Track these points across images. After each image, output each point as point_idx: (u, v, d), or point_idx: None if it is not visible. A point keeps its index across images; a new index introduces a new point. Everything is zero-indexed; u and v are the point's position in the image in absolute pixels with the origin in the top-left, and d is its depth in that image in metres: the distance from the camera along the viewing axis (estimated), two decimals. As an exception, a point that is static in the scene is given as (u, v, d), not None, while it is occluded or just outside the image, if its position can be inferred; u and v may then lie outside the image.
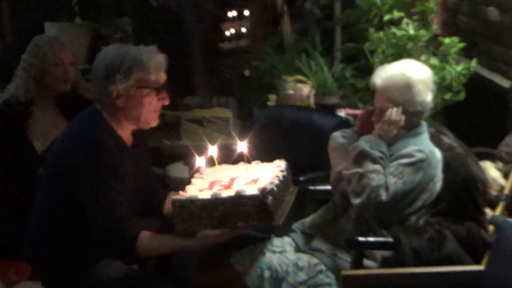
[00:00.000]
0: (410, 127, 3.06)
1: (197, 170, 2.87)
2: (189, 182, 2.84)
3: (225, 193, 2.59)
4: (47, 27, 4.85)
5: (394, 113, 2.99)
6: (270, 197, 2.55)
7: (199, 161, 2.81)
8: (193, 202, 2.58)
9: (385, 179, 2.91)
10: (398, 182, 2.92)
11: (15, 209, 3.40)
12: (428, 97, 3.03)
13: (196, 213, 2.58)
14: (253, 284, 3.01)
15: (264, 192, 2.53)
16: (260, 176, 2.80)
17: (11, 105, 3.50)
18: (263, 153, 3.90)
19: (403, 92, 3.00)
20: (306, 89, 4.99)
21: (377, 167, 2.93)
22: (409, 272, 2.61)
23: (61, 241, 2.74)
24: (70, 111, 2.82)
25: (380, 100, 3.07)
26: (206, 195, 2.61)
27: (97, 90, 2.76)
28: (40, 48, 3.52)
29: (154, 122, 2.82)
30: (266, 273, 3.02)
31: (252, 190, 2.57)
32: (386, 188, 2.91)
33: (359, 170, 2.93)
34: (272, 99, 5.14)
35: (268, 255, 3.10)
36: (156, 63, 2.72)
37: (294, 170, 3.66)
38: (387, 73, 3.06)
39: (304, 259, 3.07)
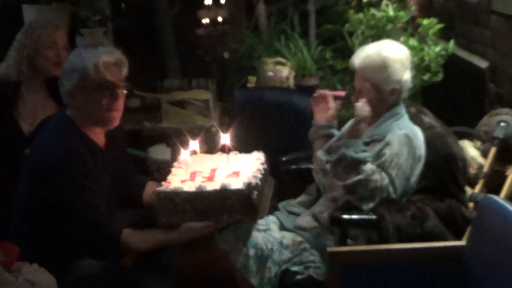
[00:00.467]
0: (388, 107, 3.12)
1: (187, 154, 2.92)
2: (170, 165, 2.89)
3: (210, 186, 2.63)
4: (25, 9, 4.81)
5: (360, 109, 3.05)
6: (255, 192, 2.61)
7: (184, 154, 2.86)
8: (178, 194, 2.62)
9: (385, 176, 2.97)
10: (399, 173, 2.98)
11: (0, 189, 3.41)
12: (405, 75, 3.09)
13: (180, 205, 2.63)
14: (238, 262, 3.06)
15: (249, 186, 2.59)
16: (240, 168, 2.85)
17: (0, 85, 3.50)
18: (244, 135, 3.97)
19: (379, 71, 3.06)
20: (285, 71, 5.02)
21: (373, 167, 2.98)
22: (393, 248, 2.67)
23: (41, 242, 2.76)
24: (60, 95, 2.85)
25: (358, 80, 3.14)
26: (190, 187, 2.65)
27: (61, 95, 2.83)
28: (34, 29, 3.52)
29: (114, 121, 2.85)
30: (251, 251, 3.08)
31: (236, 184, 2.63)
32: (392, 183, 2.97)
33: (360, 177, 2.95)
34: (251, 81, 5.17)
35: (253, 233, 3.15)
36: (96, 63, 2.75)
37: (275, 150, 3.74)
38: (364, 53, 3.13)
39: (289, 237, 3.13)
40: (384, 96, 3.09)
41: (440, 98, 4.42)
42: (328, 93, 3.45)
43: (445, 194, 3.08)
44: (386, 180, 2.95)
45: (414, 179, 3.03)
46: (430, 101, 4.39)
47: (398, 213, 2.95)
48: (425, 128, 3.16)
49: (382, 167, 2.97)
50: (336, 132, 3.42)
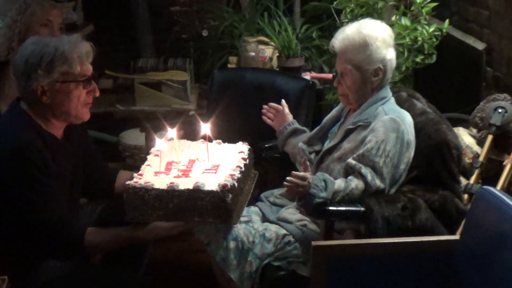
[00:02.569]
0: (373, 89, 3.12)
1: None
2: (143, 151, 2.87)
3: (183, 184, 2.63)
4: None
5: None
6: (230, 196, 2.60)
7: (160, 144, 2.86)
8: (147, 191, 2.61)
9: (367, 172, 2.95)
10: (386, 161, 2.97)
11: None
12: (388, 54, 3.09)
13: (149, 202, 2.62)
14: (217, 256, 3.05)
15: (224, 189, 2.58)
16: (221, 162, 2.84)
17: None
18: (223, 120, 3.95)
19: (360, 51, 3.07)
20: (268, 51, 5.01)
21: (340, 182, 2.96)
22: (382, 242, 2.67)
23: (3, 245, 2.71)
24: None
25: (340, 63, 3.14)
26: (162, 183, 2.64)
27: (20, 88, 2.72)
28: (28, 6, 3.50)
29: (85, 116, 2.80)
30: (232, 244, 3.06)
31: (211, 183, 2.62)
32: (378, 174, 2.96)
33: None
34: (232, 61, 5.15)
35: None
36: (80, 53, 2.69)
37: (257, 136, 3.73)
38: (343, 34, 3.13)
39: (272, 229, 3.12)
40: (367, 77, 3.09)
41: (433, 82, 4.43)
42: (282, 105, 3.56)
43: (438, 184, 3.08)
44: (364, 181, 2.95)
45: (403, 166, 3.02)
46: (423, 85, 4.40)
47: (388, 204, 2.94)
48: (417, 114, 3.16)
49: (367, 156, 2.96)
50: (298, 125, 3.50)
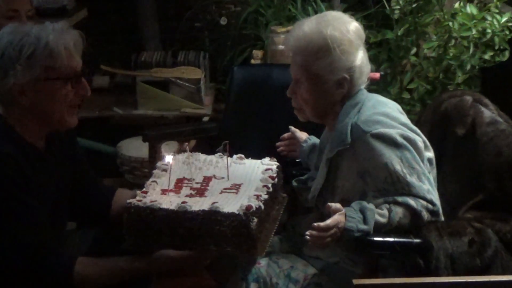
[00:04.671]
0: (336, 101, 3.02)
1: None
2: (146, 165, 2.87)
3: (197, 205, 2.62)
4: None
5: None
6: (255, 220, 2.58)
7: (168, 158, 2.87)
8: (153, 211, 2.60)
9: (404, 198, 2.87)
10: (408, 179, 2.87)
11: None
12: (357, 59, 3.00)
13: (155, 226, 2.61)
14: (234, 298, 3.05)
15: (248, 211, 2.56)
16: (243, 181, 2.84)
17: None
18: (243, 128, 3.95)
19: (320, 57, 2.95)
20: (301, 44, 5.01)
21: (385, 214, 2.87)
22: (443, 282, 2.63)
23: None
24: None
25: (294, 68, 3.06)
26: (171, 203, 2.64)
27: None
28: None
29: (72, 122, 2.80)
30: (253, 286, 3.05)
31: (232, 204, 2.61)
32: (416, 197, 2.90)
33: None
34: (256, 55, 5.15)
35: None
36: (67, 44, 2.69)
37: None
38: (300, 31, 3.02)
39: (299, 268, 3.09)
40: (328, 89, 3.00)
41: (505, 84, 4.40)
42: (292, 131, 3.53)
43: (510, 211, 3.05)
44: (404, 208, 2.87)
45: (426, 169, 2.97)
46: (492, 87, 4.37)
47: (451, 238, 2.91)
48: (485, 124, 3.13)
49: (387, 190, 2.90)
50: (316, 140, 3.44)
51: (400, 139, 2.90)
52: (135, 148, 5.10)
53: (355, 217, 2.80)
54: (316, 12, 5.18)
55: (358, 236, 2.79)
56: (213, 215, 2.57)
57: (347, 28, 3.01)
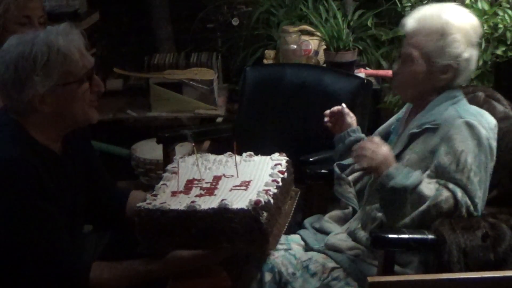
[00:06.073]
0: (437, 89, 3.09)
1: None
2: (161, 167, 2.88)
3: (206, 203, 2.62)
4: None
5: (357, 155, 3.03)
6: (264, 214, 2.58)
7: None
8: (163, 213, 2.61)
9: (455, 188, 2.88)
10: (471, 176, 2.90)
11: None
12: (466, 52, 3.04)
13: (167, 228, 2.62)
14: (249, 291, 3.06)
15: (257, 206, 2.57)
16: (253, 177, 2.84)
17: None
18: (257, 128, 3.95)
19: (433, 38, 3.03)
20: (313, 43, 5.02)
21: (432, 183, 2.91)
22: (457, 278, 2.63)
23: None
24: None
25: (406, 46, 3.13)
26: (181, 203, 2.64)
27: (9, 100, 2.69)
28: (2, 1, 3.53)
29: (95, 117, 2.79)
30: (267, 276, 3.05)
31: (241, 200, 2.61)
32: (466, 193, 2.90)
33: (424, 207, 2.89)
34: (269, 56, 5.16)
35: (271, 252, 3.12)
36: (78, 45, 2.68)
37: (300, 147, 3.71)
38: (421, 13, 3.12)
39: (318, 261, 3.10)
40: (434, 72, 3.05)
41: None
42: (343, 108, 3.47)
43: (526, 206, 3.06)
44: (452, 196, 2.90)
45: (489, 180, 2.99)
46: (505, 83, 4.35)
47: (465, 232, 2.90)
48: (498, 119, 3.12)
49: (447, 173, 2.92)
50: (364, 135, 3.43)
51: (485, 141, 2.96)
52: (149, 150, 5.11)
53: (401, 172, 2.90)
54: (327, 11, 5.19)
55: (393, 186, 2.88)
56: (222, 212, 2.57)
57: (465, 20, 3.10)
